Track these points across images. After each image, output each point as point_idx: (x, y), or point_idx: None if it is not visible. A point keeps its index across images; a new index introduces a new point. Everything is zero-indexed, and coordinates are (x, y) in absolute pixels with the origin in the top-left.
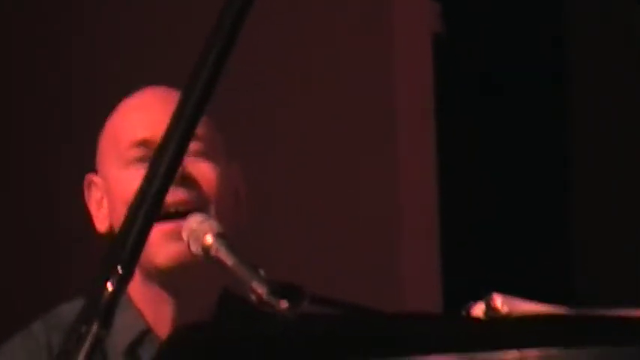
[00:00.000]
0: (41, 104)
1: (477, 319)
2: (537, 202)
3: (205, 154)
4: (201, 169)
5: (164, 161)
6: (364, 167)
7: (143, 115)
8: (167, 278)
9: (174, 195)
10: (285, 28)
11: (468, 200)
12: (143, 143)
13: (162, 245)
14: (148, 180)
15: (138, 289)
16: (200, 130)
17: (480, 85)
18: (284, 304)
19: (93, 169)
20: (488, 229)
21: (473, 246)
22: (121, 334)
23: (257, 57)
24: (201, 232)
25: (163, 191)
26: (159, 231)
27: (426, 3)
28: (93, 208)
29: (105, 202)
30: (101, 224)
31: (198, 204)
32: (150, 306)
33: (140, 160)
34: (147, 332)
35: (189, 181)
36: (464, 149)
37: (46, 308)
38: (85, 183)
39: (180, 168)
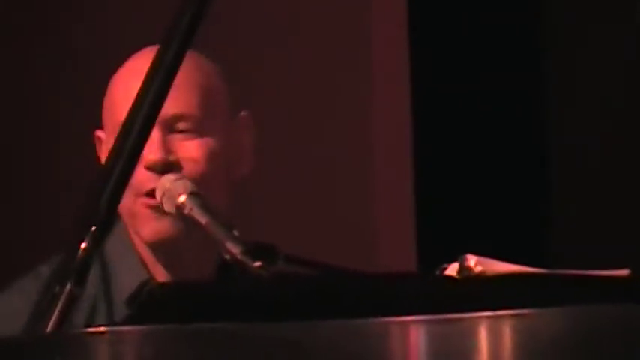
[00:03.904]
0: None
1: (451, 279)
2: (515, 163)
3: (193, 131)
4: (188, 148)
5: (138, 120)
6: (338, 130)
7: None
8: (155, 252)
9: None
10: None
11: (443, 160)
12: None
13: (146, 220)
14: (122, 138)
15: (138, 240)
16: (186, 108)
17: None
18: (258, 263)
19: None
20: (464, 190)
21: (447, 205)
22: (126, 279)
23: (230, 13)
24: (174, 191)
25: (137, 149)
26: (143, 204)
27: None
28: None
29: None
30: None
31: None
32: (149, 257)
33: None
34: (148, 281)
35: (173, 167)
36: (439, 106)
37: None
38: (95, 139)
39: (165, 153)
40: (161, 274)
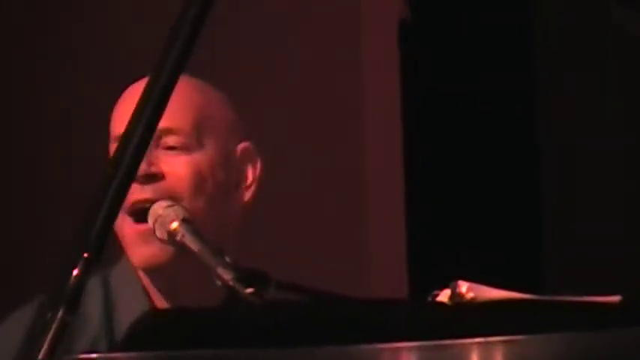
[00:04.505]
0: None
1: (443, 305)
2: (507, 190)
3: (181, 148)
4: (173, 164)
5: (130, 147)
6: (330, 155)
7: (125, 110)
8: (153, 278)
9: (140, 193)
10: (252, 9)
11: (434, 186)
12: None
13: (135, 246)
14: (114, 164)
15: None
16: (175, 123)
17: (445, 71)
18: (250, 290)
19: None
20: (457, 215)
21: (439, 230)
22: (127, 308)
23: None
24: (166, 217)
25: (130, 176)
26: (134, 231)
27: None
28: None
29: None
30: None
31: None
32: (150, 285)
33: None
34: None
35: (156, 178)
36: (430, 134)
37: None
38: None
39: (147, 165)
40: (163, 302)
